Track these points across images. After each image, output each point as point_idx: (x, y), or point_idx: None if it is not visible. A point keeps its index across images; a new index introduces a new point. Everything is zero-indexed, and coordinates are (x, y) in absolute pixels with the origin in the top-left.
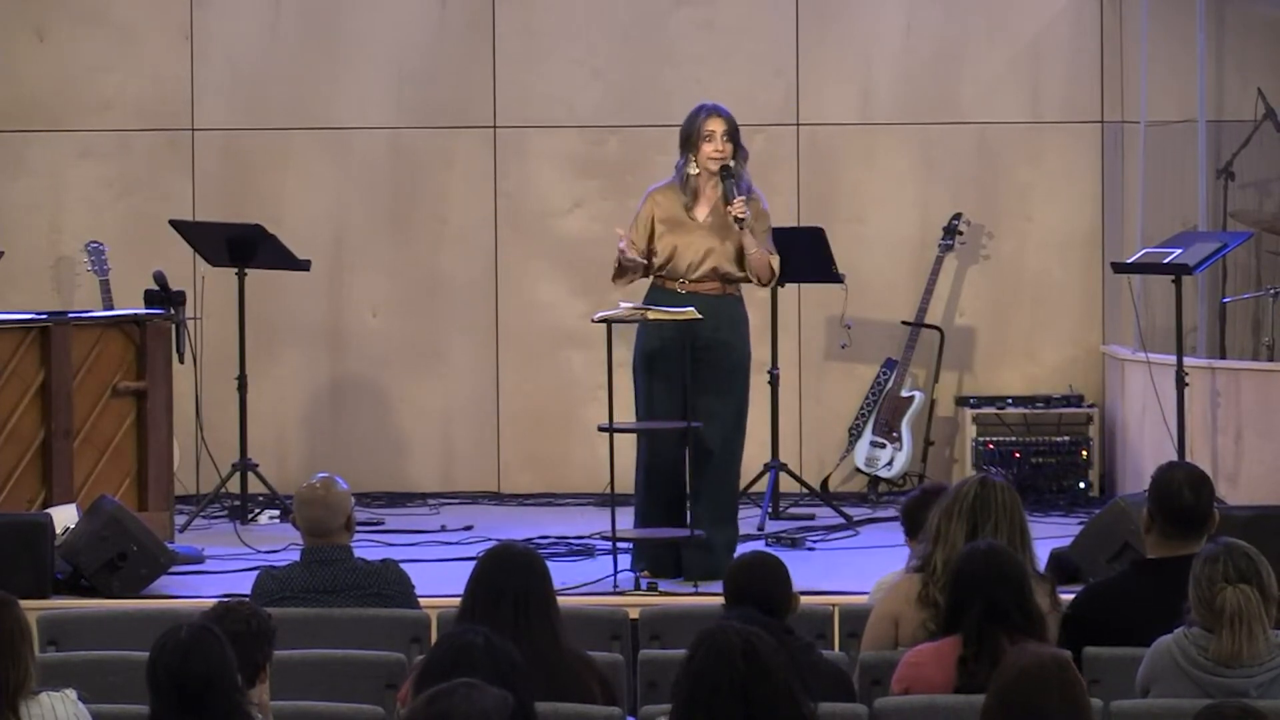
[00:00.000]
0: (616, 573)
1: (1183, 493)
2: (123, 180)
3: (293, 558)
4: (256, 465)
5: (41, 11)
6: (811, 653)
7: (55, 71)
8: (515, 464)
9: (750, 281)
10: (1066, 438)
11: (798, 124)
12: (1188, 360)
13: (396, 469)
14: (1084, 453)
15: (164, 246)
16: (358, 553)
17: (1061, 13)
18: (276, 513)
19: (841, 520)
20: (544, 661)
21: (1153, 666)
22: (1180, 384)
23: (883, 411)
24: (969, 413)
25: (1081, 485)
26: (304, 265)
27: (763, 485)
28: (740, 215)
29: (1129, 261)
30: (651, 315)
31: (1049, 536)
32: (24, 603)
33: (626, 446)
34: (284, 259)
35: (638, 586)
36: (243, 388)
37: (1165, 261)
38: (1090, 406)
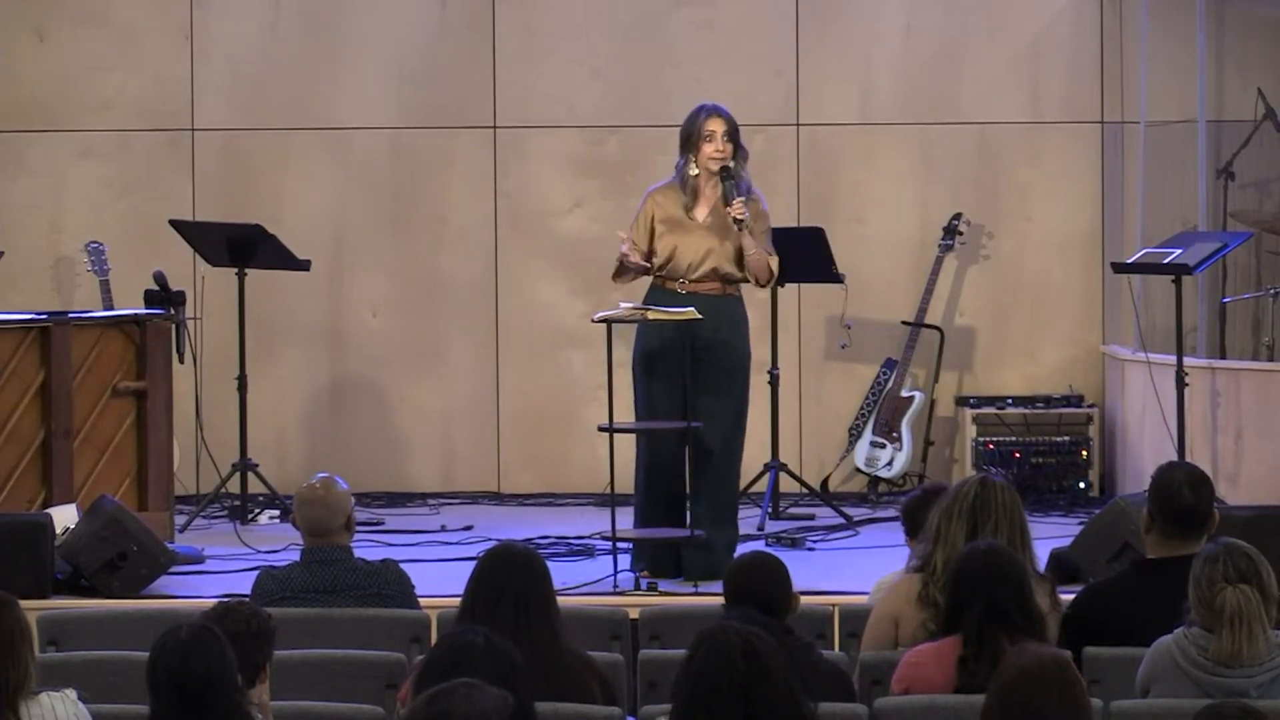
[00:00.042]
0: (616, 573)
1: (1183, 493)
2: (123, 180)
3: (293, 558)
4: (256, 465)
5: (41, 11)
6: (811, 653)
7: (55, 71)
8: (515, 464)
9: (750, 282)
10: (1066, 438)
11: (798, 124)
12: (1188, 360)
13: (396, 469)
14: (1084, 453)
15: (164, 246)
16: (358, 553)
17: (1061, 13)
18: (276, 513)
19: (841, 520)
20: (544, 661)
21: (1153, 666)
22: (1180, 384)
23: (883, 411)
24: (969, 413)
25: (1081, 485)
26: (304, 265)
27: (763, 485)
28: (739, 216)
29: (1129, 261)
30: (651, 315)
31: (1049, 536)
32: (24, 603)
33: (626, 446)
34: (284, 259)
35: (638, 586)
36: (243, 388)
37: (1165, 261)
38: (1090, 406)
